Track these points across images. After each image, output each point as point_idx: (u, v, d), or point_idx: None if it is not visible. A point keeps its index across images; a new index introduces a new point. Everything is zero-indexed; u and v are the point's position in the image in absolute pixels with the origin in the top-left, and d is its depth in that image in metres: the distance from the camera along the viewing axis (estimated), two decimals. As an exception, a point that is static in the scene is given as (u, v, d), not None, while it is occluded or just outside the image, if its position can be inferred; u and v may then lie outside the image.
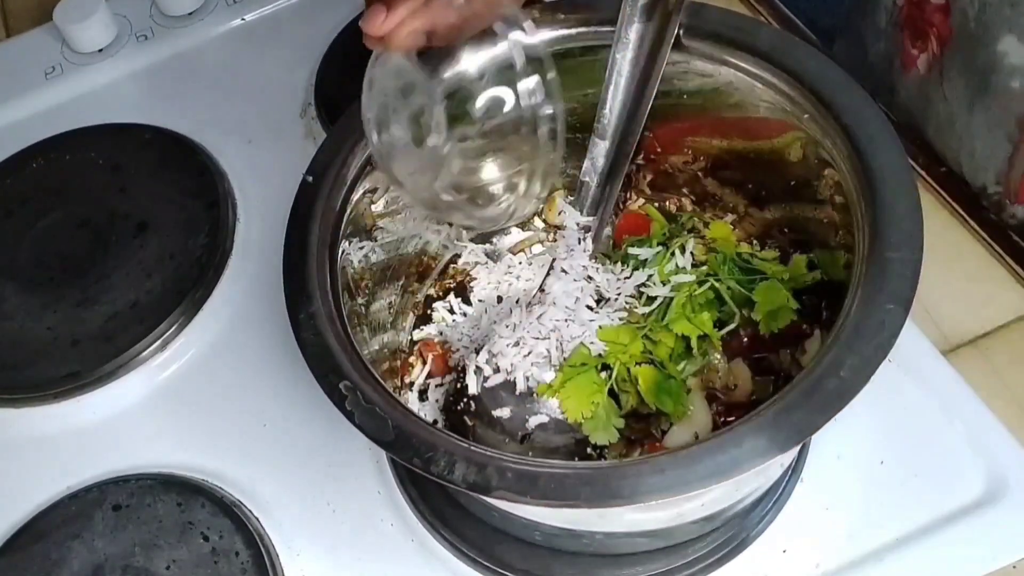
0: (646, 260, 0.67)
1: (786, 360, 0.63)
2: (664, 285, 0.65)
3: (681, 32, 0.62)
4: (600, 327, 0.64)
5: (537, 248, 0.74)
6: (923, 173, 0.76)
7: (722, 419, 0.62)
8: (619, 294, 0.66)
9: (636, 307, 0.65)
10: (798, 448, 0.62)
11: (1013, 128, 0.71)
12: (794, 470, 0.65)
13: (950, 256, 0.74)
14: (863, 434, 0.65)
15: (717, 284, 0.64)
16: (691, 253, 0.67)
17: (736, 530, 0.63)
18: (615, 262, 0.68)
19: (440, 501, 0.66)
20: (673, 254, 0.66)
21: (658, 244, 0.68)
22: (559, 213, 0.74)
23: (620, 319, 0.65)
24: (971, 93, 0.72)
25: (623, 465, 0.49)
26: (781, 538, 0.63)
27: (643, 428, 0.63)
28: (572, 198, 0.71)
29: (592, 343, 0.63)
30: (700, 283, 0.64)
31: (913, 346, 0.68)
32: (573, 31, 0.65)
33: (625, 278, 0.67)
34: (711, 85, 0.64)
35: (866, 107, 0.57)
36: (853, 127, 0.56)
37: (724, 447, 0.48)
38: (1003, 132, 0.71)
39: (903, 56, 0.78)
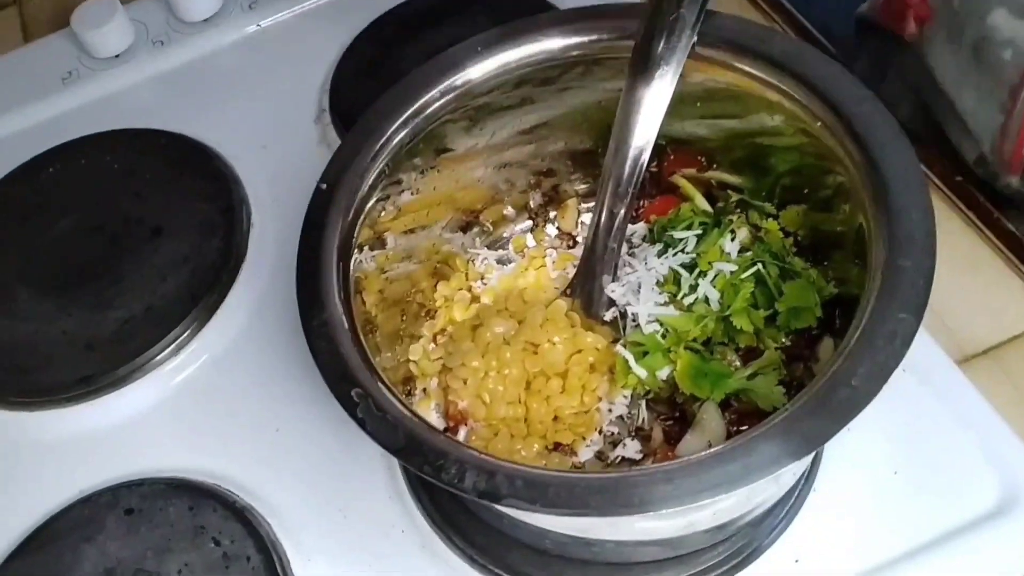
0: (684, 241, 0.66)
1: (798, 369, 0.63)
2: (705, 274, 0.64)
3: (696, 40, 0.61)
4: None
5: (551, 254, 0.74)
6: (937, 181, 0.76)
7: (735, 428, 0.62)
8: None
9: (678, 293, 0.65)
10: (811, 457, 0.62)
11: (1005, 98, 0.70)
12: (807, 479, 0.65)
13: (964, 265, 0.73)
14: (876, 444, 0.65)
15: (763, 271, 0.63)
16: (739, 241, 0.66)
17: (748, 539, 0.63)
18: (652, 243, 0.68)
19: (452, 508, 0.66)
20: (724, 236, 0.65)
21: (700, 225, 0.67)
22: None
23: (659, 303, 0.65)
24: (958, 68, 0.72)
25: (633, 474, 0.49)
26: (793, 548, 0.63)
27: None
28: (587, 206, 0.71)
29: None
30: (744, 268, 0.64)
31: (926, 356, 0.67)
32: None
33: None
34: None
35: (879, 115, 0.57)
36: (866, 135, 0.56)
37: (735, 456, 0.48)
38: (995, 103, 0.71)
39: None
